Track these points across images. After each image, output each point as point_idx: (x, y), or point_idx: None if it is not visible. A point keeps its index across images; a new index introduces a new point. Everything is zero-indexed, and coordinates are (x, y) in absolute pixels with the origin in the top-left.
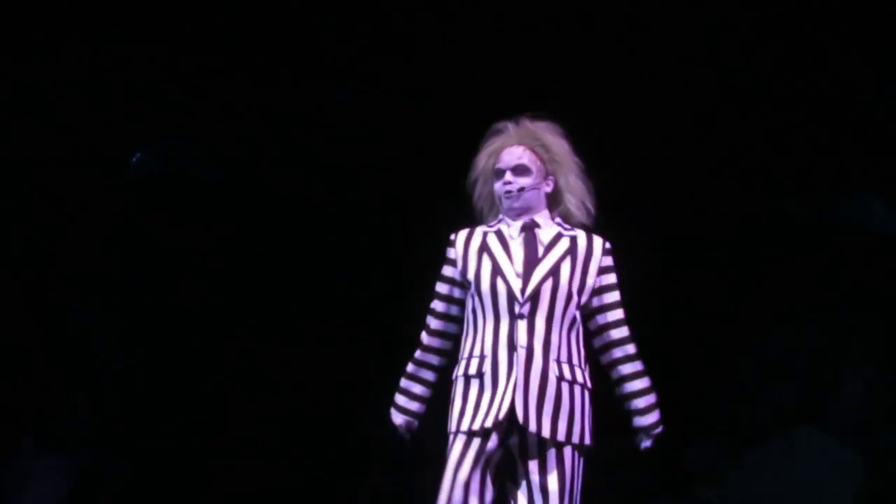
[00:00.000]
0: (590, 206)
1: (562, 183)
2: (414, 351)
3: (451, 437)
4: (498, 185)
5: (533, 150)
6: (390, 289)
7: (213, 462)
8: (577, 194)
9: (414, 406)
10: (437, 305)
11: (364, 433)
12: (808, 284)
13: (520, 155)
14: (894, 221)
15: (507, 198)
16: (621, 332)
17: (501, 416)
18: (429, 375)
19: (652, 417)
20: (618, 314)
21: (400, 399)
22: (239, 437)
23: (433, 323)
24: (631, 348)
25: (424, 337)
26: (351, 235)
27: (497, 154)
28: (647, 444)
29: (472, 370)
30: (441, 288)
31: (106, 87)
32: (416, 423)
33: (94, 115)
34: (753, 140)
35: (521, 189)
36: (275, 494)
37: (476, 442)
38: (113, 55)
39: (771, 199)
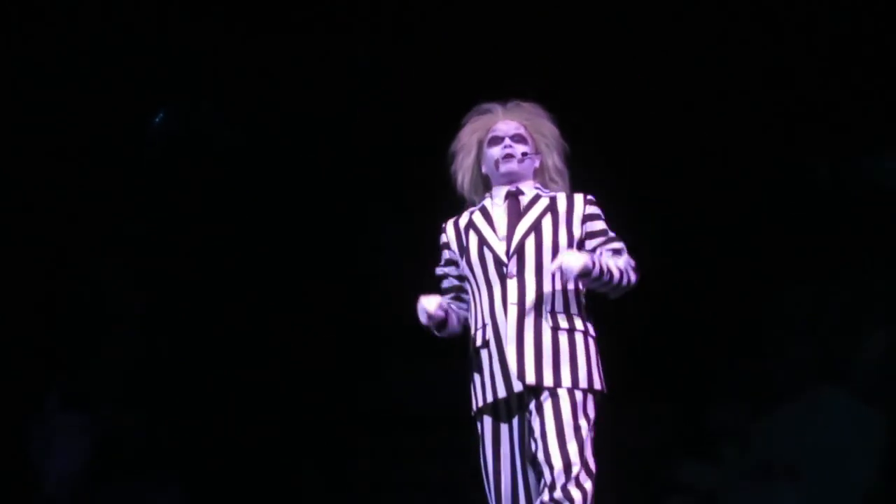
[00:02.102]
0: (567, 187)
1: (548, 163)
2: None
3: (479, 425)
4: (495, 150)
5: (524, 127)
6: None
7: (235, 418)
8: (557, 174)
9: (445, 302)
10: (444, 283)
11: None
12: (830, 243)
13: (517, 126)
14: None
15: (507, 161)
16: (608, 237)
17: (510, 385)
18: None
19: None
20: (604, 232)
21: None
22: (261, 393)
23: (447, 297)
24: (617, 244)
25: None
26: (370, 199)
27: (486, 128)
28: (559, 264)
29: (479, 341)
30: (442, 270)
31: (130, 43)
32: (443, 314)
33: (117, 73)
34: (776, 98)
35: (525, 154)
36: (294, 450)
37: (501, 418)
38: (128, 14)
39: (794, 158)
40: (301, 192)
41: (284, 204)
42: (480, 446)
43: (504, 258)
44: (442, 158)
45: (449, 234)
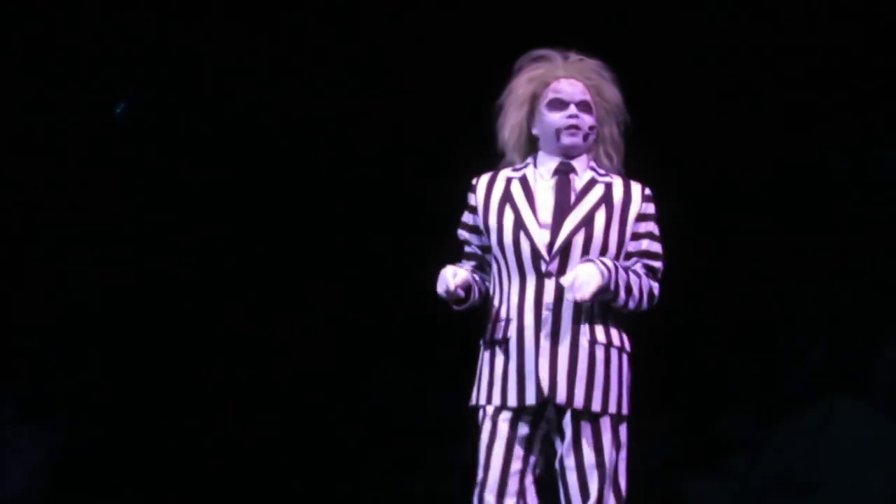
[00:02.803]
0: (620, 162)
1: (605, 134)
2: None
3: (481, 414)
4: (556, 116)
5: (590, 91)
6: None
7: (198, 428)
8: (613, 148)
9: (471, 276)
10: (466, 249)
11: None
12: (847, 242)
13: (583, 90)
14: None
15: (571, 134)
16: (650, 251)
17: (529, 395)
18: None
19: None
20: (650, 238)
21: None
22: (225, 401)
23: (466, 263)
24: (654, 263)
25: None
26: (353, 189)
27: (545, 82)
28: (568, 283)
29: (499, 335)
30: (464, 235)
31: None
32: (463, 293)
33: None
34: (793, 91)
35: (592, 128)
36: (260, 460)
37: (508, 420)
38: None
39: (810, 151)
40: (292, 193)
41: (258, 197)
42: (481, 441)
43: (544, 252)
44: (437, 160)
45: (478, 198)
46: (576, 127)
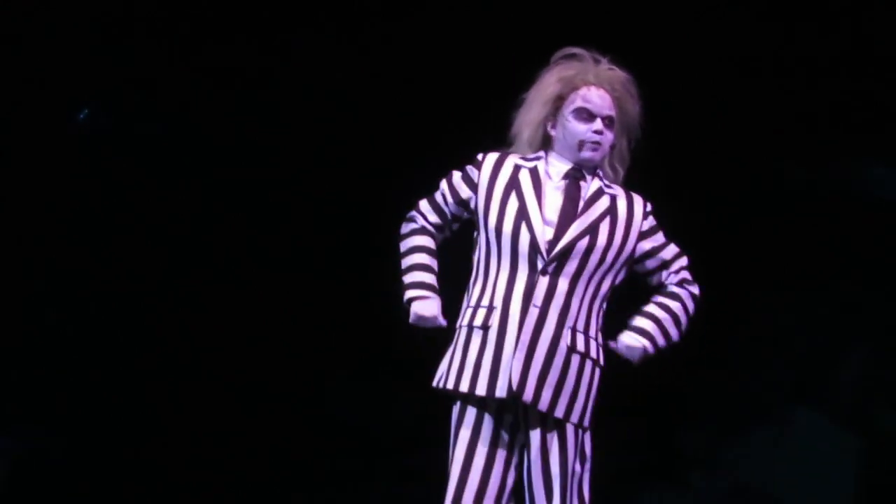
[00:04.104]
0: (623, 176)
1: (617, 146)
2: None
3: (456, 407)
4: (584, 129)
5: (615, 104)
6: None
7: (159, 439)
8: (620, 161)
9: (429, 295)
10: (433, 209)
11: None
12: (805, 256)
13: (611, 105)
14: None
15: (593, 149)
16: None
17: (500, 388)
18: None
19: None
20: (670, 249)
21: (413, 292)
22: (186, 410)
23: (430, 216)
24: (684, 272)
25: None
26: (321, 197)
27: (575, 87)
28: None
29: (478, 321)
30: (446, 197)
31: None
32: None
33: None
34: (754, 103)
35: (613, 147)
36: (223, 471)
37: (481, 409)
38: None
39: (769, 163)
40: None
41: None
42: (453, 430)
43: (543, 248)
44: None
45: (482, 176)
46: (598, 143)
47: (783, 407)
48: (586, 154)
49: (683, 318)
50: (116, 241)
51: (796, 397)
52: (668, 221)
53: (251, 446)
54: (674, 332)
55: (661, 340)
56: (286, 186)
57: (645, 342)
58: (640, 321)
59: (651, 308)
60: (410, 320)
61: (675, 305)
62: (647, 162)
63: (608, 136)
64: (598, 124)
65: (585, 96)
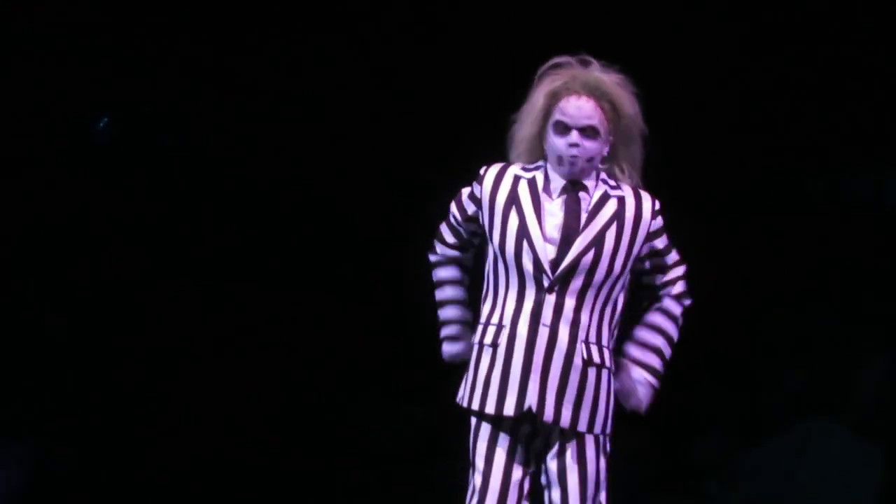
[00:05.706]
0: (638, 174)
1: (620, 151)
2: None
3: (473, 420)
4: (560, 144)
5: (602, 109)
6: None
7: (170, 451)
8: (627, 162)
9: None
10: (454, 225)
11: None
12: (823, 266)
13: (590, 114)
14: None
15: (571, 163)
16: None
17: (508, 406)
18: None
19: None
20: (672, 256)
21: (443, 332)
22: (203, 420)
23: (449, 238)
24: (681, 284)
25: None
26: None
27: (559, 98)
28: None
29: (488, 339)
30: (457, 218)
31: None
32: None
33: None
34: (767, 114)
35: (591, 159)
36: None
37: (497, 423)
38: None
39: (784, 175)
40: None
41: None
42: (471, 442)
43: (548, 267)
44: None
45: (484, 191)
46: (574, 156)
47: (801, 417)
48: (564, 168)
49: (676, 339)
50: (136, 251)
51: (815, 408)
52: (692, 233)
53: (268, 454)
54: (669, 356)
55: (662, 370)
56: (300, 197)
57: (651, 380)
58: (645, 355)
59: (654, 339)
60: (443, 357)
61: (671, 328)
62: (672, 174)
63: (588, 147)
64: (572, 137)
65: (563, 108)
